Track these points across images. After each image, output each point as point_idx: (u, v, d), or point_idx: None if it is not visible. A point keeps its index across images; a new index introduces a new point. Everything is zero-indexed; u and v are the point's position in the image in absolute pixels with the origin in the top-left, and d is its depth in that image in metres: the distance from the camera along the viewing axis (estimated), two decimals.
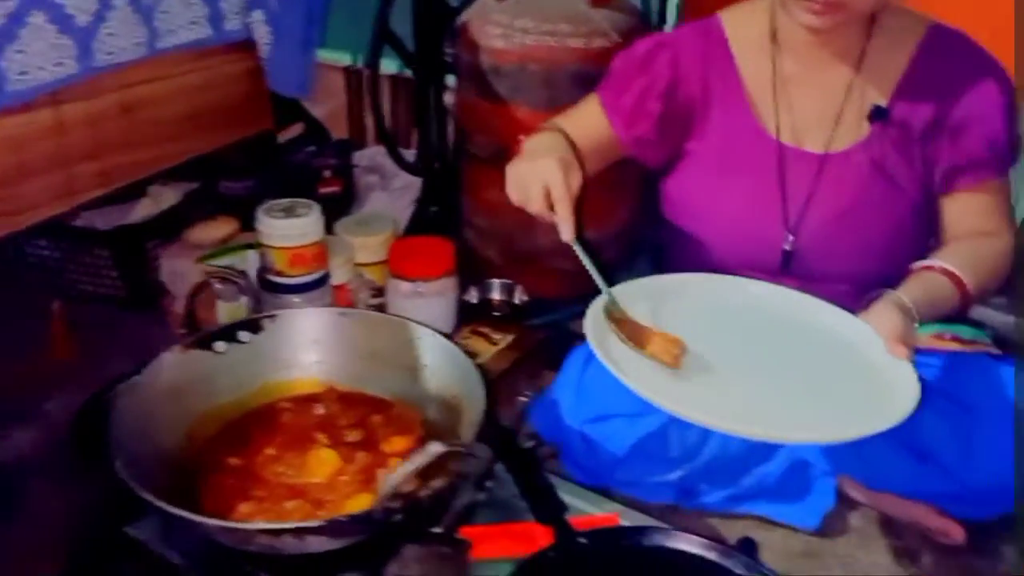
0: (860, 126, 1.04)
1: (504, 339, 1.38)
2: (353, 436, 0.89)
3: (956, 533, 1.04)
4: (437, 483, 0.74)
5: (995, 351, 1.05)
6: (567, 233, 0.92)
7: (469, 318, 1.48)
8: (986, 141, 1.01)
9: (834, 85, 1.05)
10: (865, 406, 0.83)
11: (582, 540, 0.82)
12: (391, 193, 1.78)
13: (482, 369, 0.90)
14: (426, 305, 1.40)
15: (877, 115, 1.03)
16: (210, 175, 1.50)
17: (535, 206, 0.93)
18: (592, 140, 1.11)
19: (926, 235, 1.10)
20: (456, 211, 1.67)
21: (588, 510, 0.92)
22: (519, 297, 1.57)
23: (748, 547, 0.92)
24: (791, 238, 1.08)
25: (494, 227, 1.62)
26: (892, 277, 1.04)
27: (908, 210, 1.05)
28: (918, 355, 1.06)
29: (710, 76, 1.12)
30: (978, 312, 1.55)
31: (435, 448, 0.67)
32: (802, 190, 1.07)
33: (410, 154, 1.69)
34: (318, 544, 0.71)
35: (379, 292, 1.46)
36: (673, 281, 1.03)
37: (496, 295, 1.59)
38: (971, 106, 1.00)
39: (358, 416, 0.92)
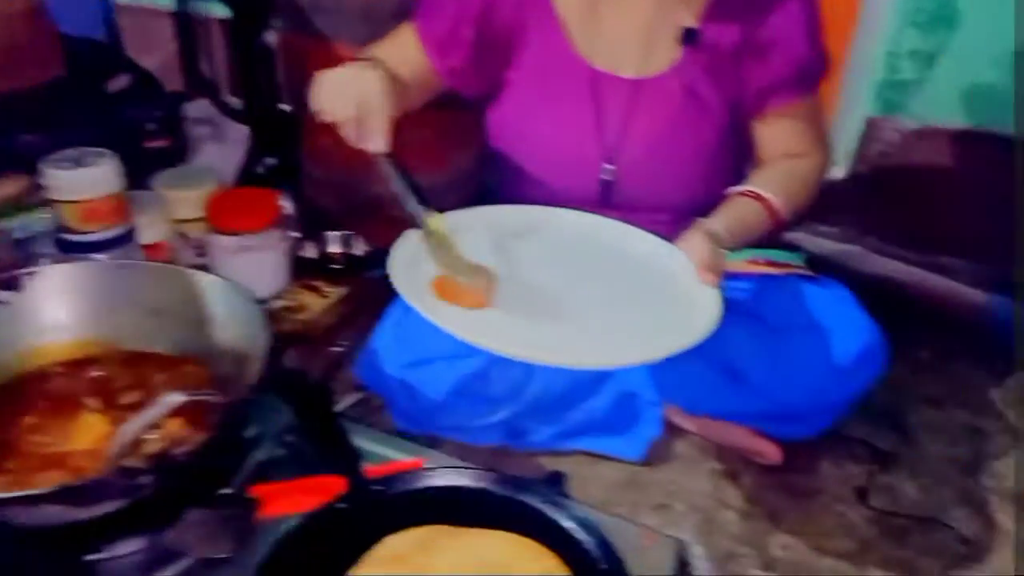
0: (672, 49, 1.02)
1: (336, 292, 1.32)
2: (130, 398, 0.82)
3: (772, 453, 1.07)
4: (195, 439, 0.68)
5: (806, 272, 1.06)
6: (378, 145, 0.85)
7: (306, 273, 1.41)
8: (791, 61, 1.00)
9: (645, 8, 1.02)
10: (671, 329, 0.82)
11: (376, 488, 0.78)
12: (225, 146, 1.67)
13: (266, 315, 0.83)
14: (254, 260, 1.32)
15: (688, 37, 1.01)
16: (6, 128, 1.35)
17: (344, 112, 0.85)
18: (408, 72, 1.05)
19: (741, 160, 1.10)
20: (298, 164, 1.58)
21: (395, 457, 0.88)
22: (359, 248, 1.51)
23: (556, 480, 0.91)
24: (608, 167, 1.06)
25: (330, 175, 1.55)
26: (710, 204, 1.04)
27: (719, 134, 1.04)
28: (731, 279, 1.06)
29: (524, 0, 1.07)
30: (811, 242, 1.61)
31: (172, 398, 0.61)
32: (617, 118, 1.04)
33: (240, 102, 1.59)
34: (62, 513, 0.64)
35: (204, 250, 1.37)
36: (487, 213, 0.99)
37: (334, 247, 1.52)
38: (775, 26, 0.99)
39: (139, 376, 0.85)
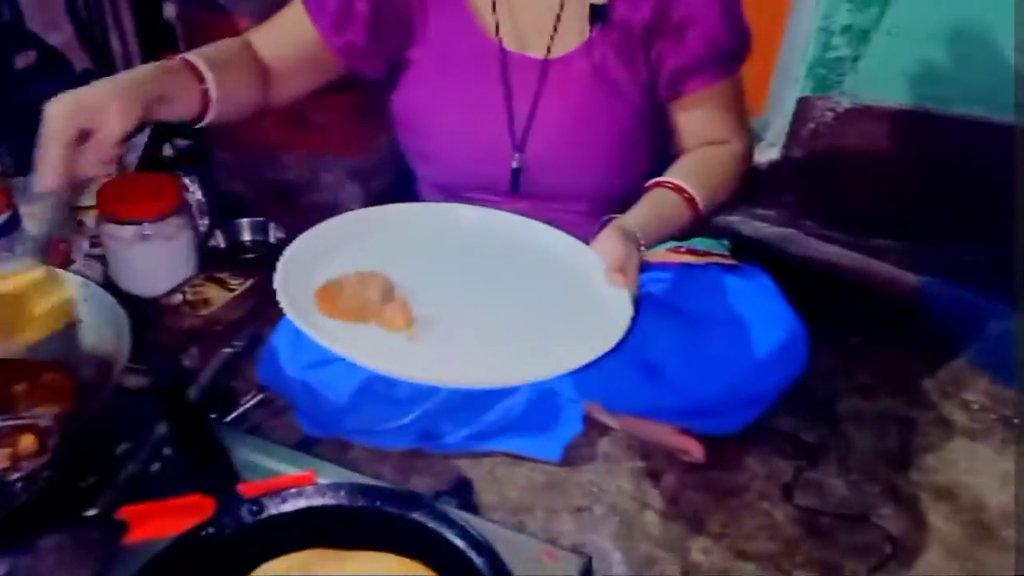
0: (581, 29, 0.95)
1: (243, 284, 1.24)
2: None
3: (696, 451, 1.02)
4: (27, 465, 0.60)
5: (727, 261, 1.01)
6: (41, 182, 0.72)
7: (217, 264, 1.32)
8: (707, 41, 0.94)
9: None
10: (581, 337, 0.75)
11: (249, 508, 0.71)
12: None
13: (136, 321, 0.75)
14: (153, 250, 1.24)
15: (596, 16, 0.94)
16: None
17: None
18: (297, 51, 0.96)
19: (658, 146, 1.03)
20: (216, 144, 1.49)
21: (284, 470, 0.81)
22: (274, 235, 1.43)
23: (460, 490, 0.86)
24: (518, 155, 0.99)
25: (238, 160, 1.46)
26: (627, 193, 0.98)
27: (634, 119, 0.98)
28: (650, 270, 1.02)
29: None
30: (747, 225, 1.56)
31: None
32: (527, 100, 0.97)
33: None
34: None
35: (99, 241, 1.27)
36: (380, 215, 0.91)
37: (247, 235, 1.44)
38: (689, 3, 0.92)
39: None
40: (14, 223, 1.12)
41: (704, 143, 0.99)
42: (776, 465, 1.06)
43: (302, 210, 1.45)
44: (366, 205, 0.88)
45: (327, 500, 0.72)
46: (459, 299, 0.80)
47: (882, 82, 1.47)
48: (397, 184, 1.46)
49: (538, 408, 1.03)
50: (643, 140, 1.00)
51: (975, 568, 0.94)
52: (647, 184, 0.95)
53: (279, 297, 0.74)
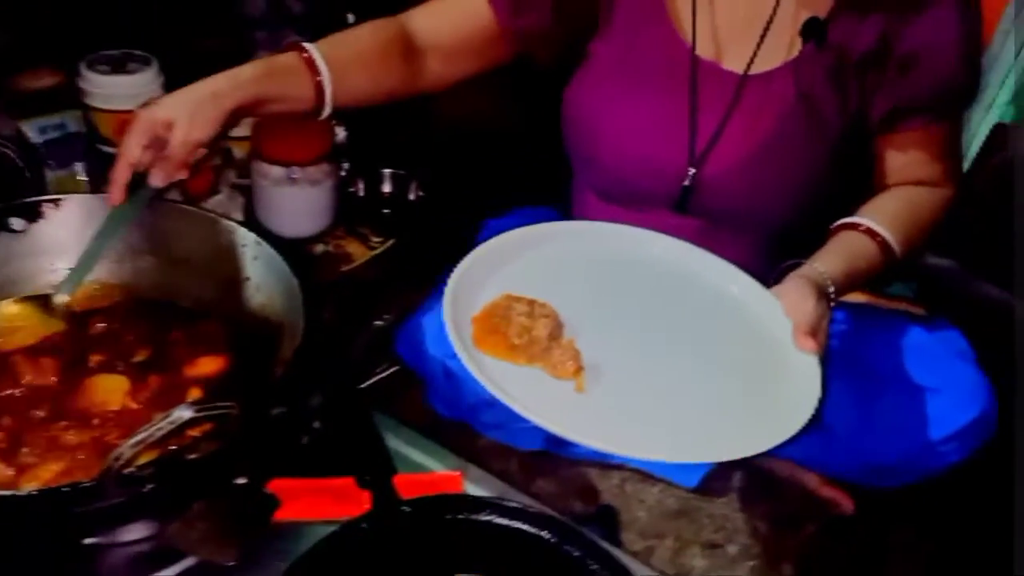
0: (791, 44, 0.85)
1: (383, 244, 1.21)
2: (140, 356, 0.73)
3: (846, 504, 0.96)
4: (204, 446, 0.58)
5: (915, 311, 0.92)
6: (112, 194, 0.74)
7: (352, 214, 1.30)
8: (938, 80, 0.83)
9: None
10: (757, 413, 0.69)
11: (404, 509, 0.68)
12: None
13: (309, 295, 0.72)
14: (298, 194, 1.21)
15: (811, 30, 0.84)
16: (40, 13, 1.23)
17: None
18: (463, 32, 0.90)
19: (845, 179, 0.94)
20: None
21: (431, 466, 0.79)
22: (414, 192, 1.39)
23: (605, 517, 0.81)
24: (692, 172, 0.90)
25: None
26: (803, 227, 0.90)
27: (831, 150, 0.88)
28: (839, 312, 0.94)
29: None
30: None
31: (179, 415, 0.51)
32: (715, 116, 0.88)
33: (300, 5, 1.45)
34: (49, 511, 0.55)
35: (248, 174, 1.26)
36: (549, 232, 0.84)
37: (387, 187, 1.41)
38: (924, 34, 0.82)
39: (152, 331, 0.75)
40: None
41: (908, 182, 0.89)
42: (928, 531, 0.98)
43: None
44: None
45: (485, 517, 0.68)
46: (630, 346, 0.73)
47: None
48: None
49: None
50: (834, 173, 0.90)
51: None
52: (835, 225, 0.86)
53: (446, 322, 0.69)
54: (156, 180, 0.75)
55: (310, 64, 0.80)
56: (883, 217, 0.85)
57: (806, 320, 0.73)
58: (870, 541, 0.96)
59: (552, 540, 0.68)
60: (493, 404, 0.93)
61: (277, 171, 1.19)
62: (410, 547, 0.67)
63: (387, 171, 1.39)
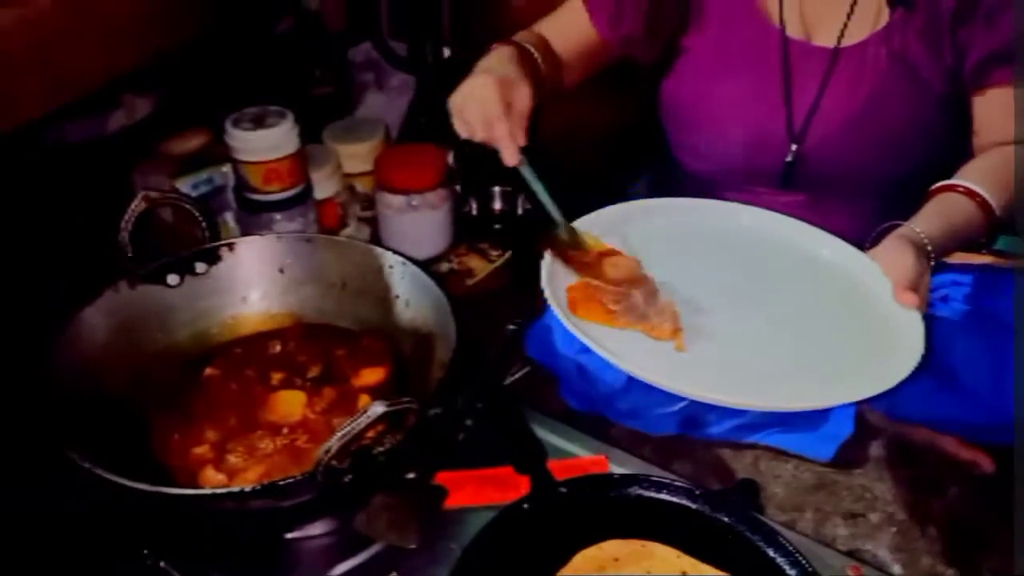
0: (879, 13, 0.88)
1: (502, 256, 1.29)
2: (313, 372, 0.83)
3: (986, 464, 0.96)
4: (390, 439, 0.67)
5: None
6: (509, 157, 0.82)
7: (469, 232, 1.39)
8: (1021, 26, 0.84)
9: None
10: (861, 363, 0.71)
11: (561, 489, 0.75)
12: (388, 93, 1.65)
13: (455, 305, 0.81)
14: (420, 219, 1.31)
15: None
16: (182, 80, 1.39)
17: (477, 133, 0.83)
18: (577, 44, 1.00)
19: (949, 139, 0.94)
20: None
21: (576, 452, 0.85)
22: (522, 206, 1.47)
23: (747, 489, 0.85)
24: (794, 147, 0.93)
25: None
26: (906, 191, 0.91)
27: (933, 109, 0.90)
28: (948, 273, 0.95)
29: None
30: None
31: (375, 410, 0.59)
32: (810, 91, 0.92)
33: (403, 47, 1.56)
34: (263, 504, 0.65)
35: (371, 204, 1.37)
36: (652, 208, 0.90)
37: (497, 204, 1.49)
38: None
39: (320, 350, 0.85)
40: (308, 192, 1.22)
41: (1006, 142, 0.89)
42: None
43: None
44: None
45: (638, 491, 0.74)
46: (726, 307, 0.77)
47: None
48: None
49: None
50: (940, 134, 0.92)
51: None
52: (938, 185, 0.88)
53: (544, 289, 0.76)
54: (517, 138, 0.83)
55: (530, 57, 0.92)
56: (980, 176, 0.86)
57: (906, 276, 0.75)
58: (1016, 497, 0.96)
59: (701, 509, 0.73)
60: (627, 392, 0.99)
61: (399, 200, 1.30)
62: (568, 524, 0.73)
63: (496, 189, 1.48)
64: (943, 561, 0.90)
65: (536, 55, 0.92)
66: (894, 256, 0.78)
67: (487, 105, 0.81)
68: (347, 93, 1.66)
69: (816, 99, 0.92)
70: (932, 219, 0.83)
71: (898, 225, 0.82)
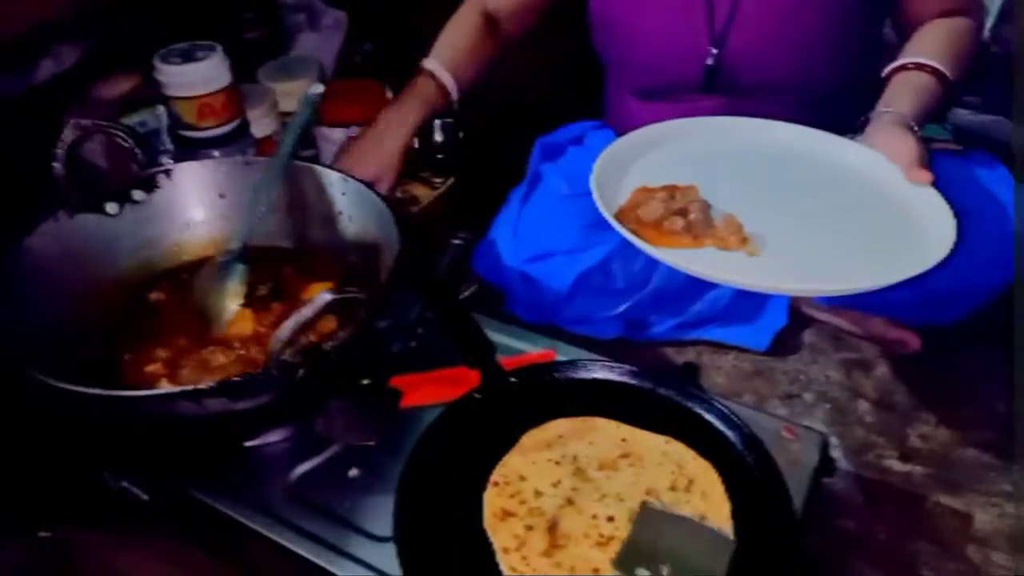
0: None
1: (444, 183, 1.31)
2: (262, 291, 0.84)
3: (913, 342, 1.02)
4: (342, 333, 0.69)
5: (955, 147, 0.97)
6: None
7: (412, 164, 1.39)
8: None
9: None
10: (905, 245, 0.75)
11: (510, 379, 0.78)
12: (321, 33, 1.63)
13: (397, 212, 0.82)
14: None
15: None
16: (111, 26, 1.35)
17: (362, 174, 0.92)
18: None
19: (868, 36, 0.98)
20: (398, 47, 1.53)
21: (525, 349, 0.88)
22: (461, 135, 1.48)
23: (688, 372, 0.90)
24: (715, 51, 0.96)
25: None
26: (833, 86, 0.95)
27: (848, 8, 0.93)
28: None
29: None
30: (952, 114, 1.47)
31: (323, 297, 0.61)
32: None
33: None
34: (223, 404, 0.66)
35: (312, 143, 1.36)
36: (665, 130, 0.91)
37: (438, 136, 1.50)
38: None
39: (267, 270, 0.86)
40: (245, 129, 1.21)
41: (938, 15, 0.94)
42: (994, 355, 1.04)
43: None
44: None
45: (584, 374, 0.78)
46: (775, 213, 0.79)
47: None
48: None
49: (743, 300, 1.05)
50: (855, 28, 0.96)
51: None
52: (893, 67, 0.91)
53: (607, 216, 0.76)
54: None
55: (442, 85, 1.03)
56: (930, 50, 0.90)
57: (912, 156, 0.80)
58: (941, 372, 1.02)
59: (641, 385, 0.77)
60: (573, 299, 1.03)
61: (339, 133, 1.30)
62: (517, 410, 0.76)
63: (437, 122, 1.48)
64: (874, 431, 0.96)
65: (446, 79, 1.03)
66: (895, 142, 0.82)
67: (385, 162, 1.03)
68: (280, 34, 1.64)
69: (734, 4, 0.95)
70: (904, 99, 0.87)
71: (885, 113, 0.85)
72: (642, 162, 0.87)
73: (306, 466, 0.77)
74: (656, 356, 1.06)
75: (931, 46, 0.90)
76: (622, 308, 1.04)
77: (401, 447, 0.76)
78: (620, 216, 0.78)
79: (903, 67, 0.89)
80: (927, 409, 0.98)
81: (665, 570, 0.61)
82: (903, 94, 0.87)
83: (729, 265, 0.73)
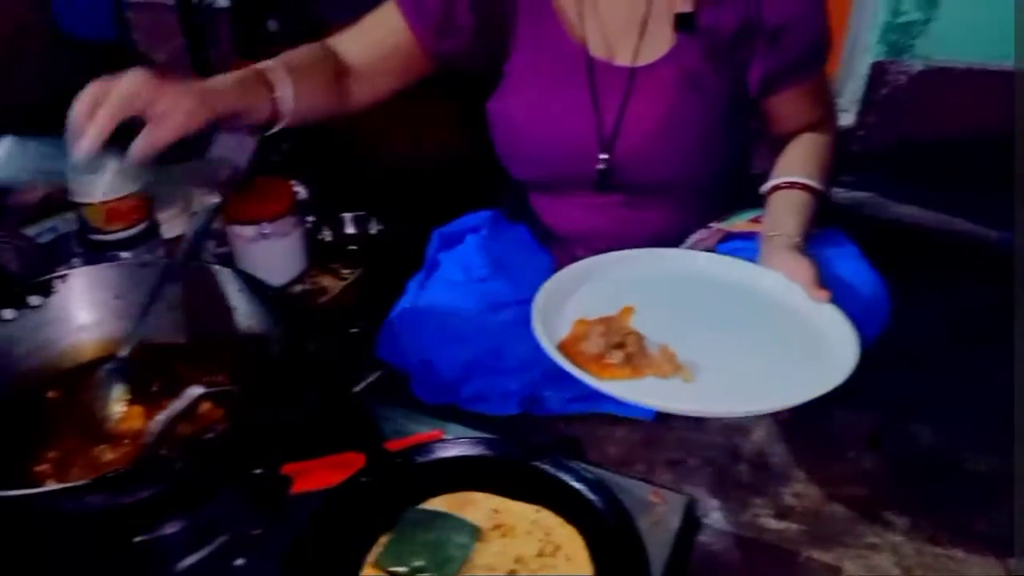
0: (668, 36, 1.02)
1: (353, 273, 1.36)
2: (154, 388, 0.87)
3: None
4: (219, 425, 0.72)
5: None
6: (83, 143, 0.74)
7: (324, 257, 1.45)
8: (805, 44, 1.00)
9: None
10: (813, 361, 0.83)
11: (396, 460, 0.82)
12: (237, 134, 1.69)
13: (283, 303, 0.87)
14: (272, 247, 1.36)
15: (682, 24, 1.00)
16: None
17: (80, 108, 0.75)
18: (387, 53, 1.03)
19: (739, 136, 1.10)
20: (316, 146, 1.61)
21: (417, 431, 0.92)
22: (374, 228, 1.55)
23: (569, 445, 0.95)
24: (604, 156, 1.06)
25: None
26: (710, 183, 1.06)
27: (720, 117, 1.04)
28: (735, 241, 1.09)
29: None
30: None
31: (193, 391, 0.65)
32: (614, 106, 1.04)
33: None
34: (105, 500, 0.69)
35: (224, 240, 1.41)
36: (598, 263, 1.01)
37: (350, 229, 1.56)
38: (784, 9, 0.98)
39: (160, 367, 0.90)
40: (154, 230, 1.26)
41: (801, 127, 1.05)
42: (864, 417, 1.11)
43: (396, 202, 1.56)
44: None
45: (461, 451, 0.82)
46: (705, 338, 0.87)
47: (953, 43, 1.49)
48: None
49: None
50: (727, 134, 1.07)
51: None
52: (770, 187, 1.02)
53: (551, 354, 0.84)
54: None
55: (267, 80, 0.88)
56: (801, 169, 1.03)
57: (809, 277, 0.90)
58: (812, 432, 1.09)
59: (517, 459, 0.82)
60: (470, 379, 1.08)
61: (249, 230, 1.35)
62: (400, 490, 0.80)
63: (348, 215, 1.55)
64: (751, 491, 1.02)
65: (280, 84, 0.88)
66: (792, 265, 0.92)
67: (127, 95, 0.74)
68: (197, 138, 1.70)
69: (620, 113, 1.04)
70: (789, 219, 0.98)
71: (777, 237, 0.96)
72: (579, 293, 0.96)
73: (193, 558, 0.78)
74: (551, 430, 1.10)
75: (800, 165, 1.02)
76: (515, 386, 1.09)
77: (289, 534, 0.78)
78: (563, 348, 0.86)
79: (780, 186, 0.99)
80: (800, 467, 1.04)
81: None
82: (786, 215, 0.98)
83: (667, 393, 0.80)
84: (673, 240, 1.13)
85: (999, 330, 1.24)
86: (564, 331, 0.89)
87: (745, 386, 0.81)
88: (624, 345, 0.84)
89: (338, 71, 0.99)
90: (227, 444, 0.74)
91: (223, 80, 0.85)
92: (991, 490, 1.00)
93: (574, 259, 1.04)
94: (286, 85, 0.89)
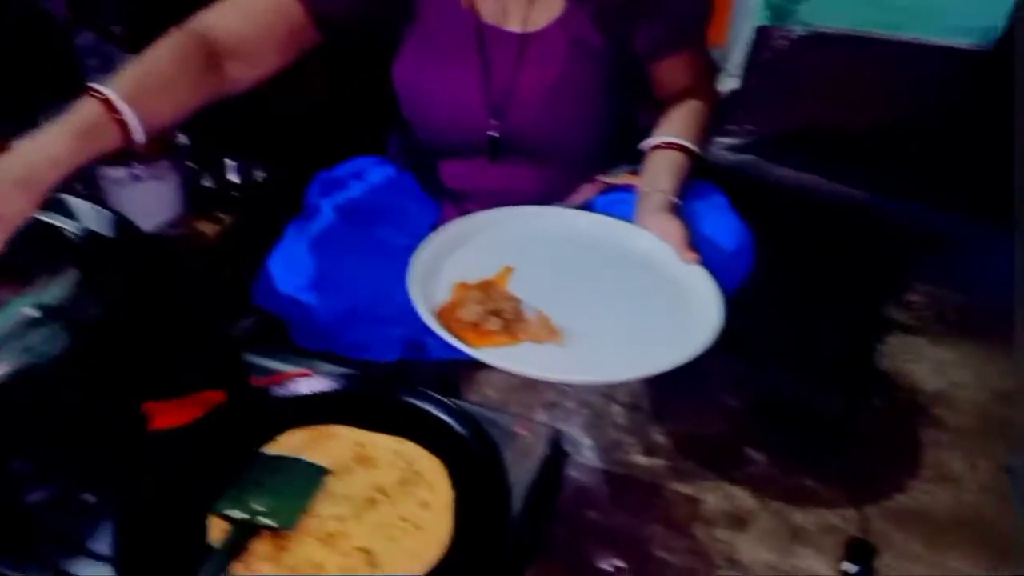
0: (558, 2, 1.02)
1: (232, 219, 1.32)
2: None
3: None
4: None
5: None
6: None
7: (206, 203, 1.40)
8: (683, 15, 1.03)
9: None
10: (675, 329, 0.84)
11: (256, 393, 0.80)
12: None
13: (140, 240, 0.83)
14: (146, 190, 1.30)
15: None
16: None
17: None
18: (269, 26, 0.94)
19: (625, 102, 1.11)
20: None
21: (288, 370, 0.90)
22: (258, 175, 1.50)
23: (444, 385, 0.95)
24: (495, 123, 1.05)
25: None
26: (598, 147, 1.08)
27: (608, 82, 1.05)
28: (614, 193, 1.11)
29: None
30: (710, 154, 1.65)
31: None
32: (505, 72, 1.04)
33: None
34: None
35: (94, 183, 1.34)
36: (476, 223, 1.00)
37: (232, 176, 1.51)
38: None
39: None
40: None
41: (681, 90, 1.08)
42: (731, 363, 1.16)
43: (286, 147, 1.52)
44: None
45: (323, 386, 0.81)
46: (580, 302, 0.88)
47: (835, 10, 1.55)
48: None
49: None
50: (615, 99, 1.08)
51: (908, 439, 1.06)
52: (649, 145, 1.04)
53: (427, 321, 0.83)
54: None
55: (114, 112, 0.78)
56: (681, 130, 1.04)
57: (679, 238, 0.92)
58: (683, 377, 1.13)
59: (379, 392, 0.81)
60: (351, 326, 1.06)
61: (121, 172, 1.29)
62: (259, 425, 0.78)
63: (230, 162, 1.50)
64: (624, 431, 1.05)
65: (122, 107, 0.78)
66: (665, 226, 0.94)
67: None
68: (73, 79, 1.61)
69: (510, 80, 1.04)
70: (666, 178, 1.00)
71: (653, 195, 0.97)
72: (459, 253, 0.94)
73: (43, 492, 0.75)
74: (434, 375, 1.11)
75: (680, 128, 1.04)
76: (398, 333, 1.08)
77: (143, 472, 0.76)
78: (441, 315, 0.85)
79: (659, 146, 1.01)
80: (669, 411, 1.08)
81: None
82: (663, 174, 1.00)
83: (541, 361, 0.80)
84: (562, 197, 1.15)
85: (858, 287, 1.32)
86: (442, 293, 0.89)
87: (615, 352, 0.82)
88: (501, 312, 0.84)
89: (211, 58, 0.88)
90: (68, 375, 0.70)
91: (59, 141, 0.74)
92: (842, 433, 1.07)
93: (464, 213, 1.04)
94: (131, 115, 0.79)
